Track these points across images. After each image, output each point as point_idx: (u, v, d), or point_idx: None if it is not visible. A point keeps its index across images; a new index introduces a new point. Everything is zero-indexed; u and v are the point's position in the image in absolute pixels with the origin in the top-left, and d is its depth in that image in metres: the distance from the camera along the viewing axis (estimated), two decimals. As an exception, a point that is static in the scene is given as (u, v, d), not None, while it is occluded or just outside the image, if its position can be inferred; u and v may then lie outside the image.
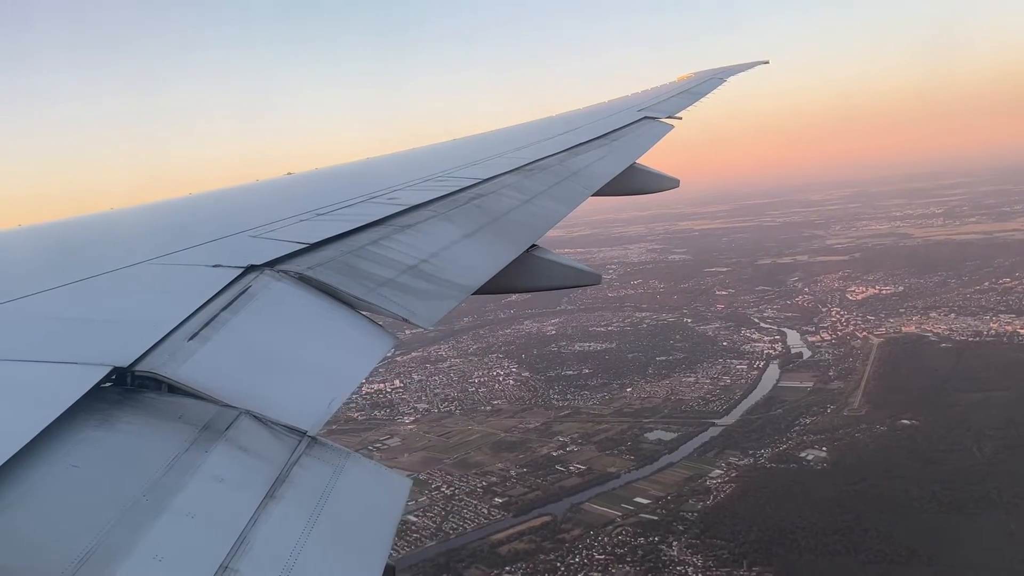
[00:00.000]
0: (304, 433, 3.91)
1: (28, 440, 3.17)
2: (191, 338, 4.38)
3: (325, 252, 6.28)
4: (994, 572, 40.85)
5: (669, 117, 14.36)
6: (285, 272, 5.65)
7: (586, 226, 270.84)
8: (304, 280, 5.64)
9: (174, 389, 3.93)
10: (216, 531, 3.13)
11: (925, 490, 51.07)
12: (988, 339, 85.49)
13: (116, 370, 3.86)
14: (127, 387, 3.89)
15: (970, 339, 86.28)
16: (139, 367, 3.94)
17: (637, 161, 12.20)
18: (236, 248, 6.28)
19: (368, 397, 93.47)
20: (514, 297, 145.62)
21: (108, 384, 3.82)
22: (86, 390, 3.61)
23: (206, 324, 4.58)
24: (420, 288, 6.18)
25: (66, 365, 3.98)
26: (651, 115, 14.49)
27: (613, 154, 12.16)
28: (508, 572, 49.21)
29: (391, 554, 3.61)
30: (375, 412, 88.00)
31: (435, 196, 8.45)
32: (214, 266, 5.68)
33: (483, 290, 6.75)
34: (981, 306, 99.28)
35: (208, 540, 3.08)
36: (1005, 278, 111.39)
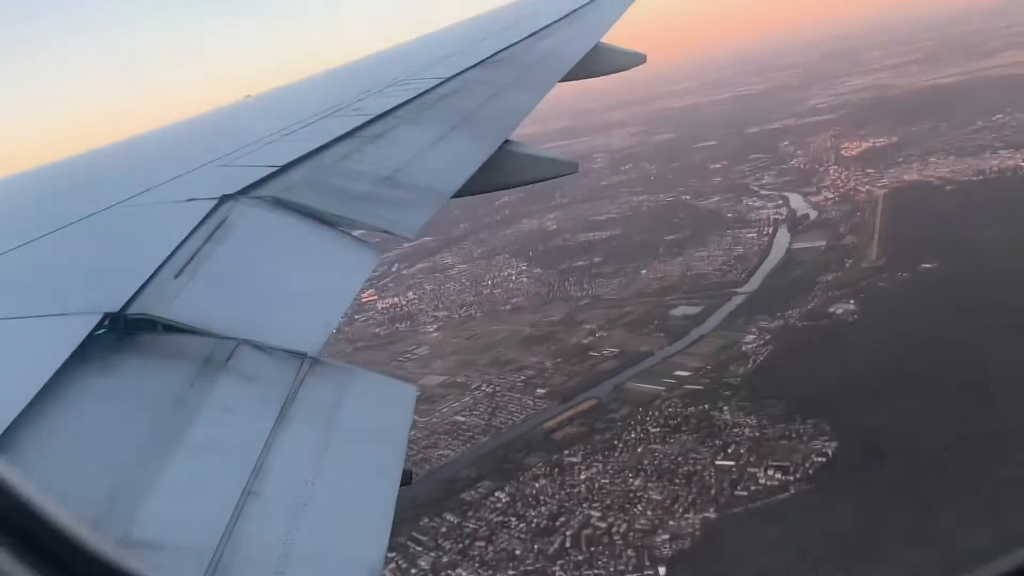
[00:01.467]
0: (305, 355, 3.93)
1: (32, 396, 3.15)
2: (177, 275, 4.38)
3: (297, 172, 6.21)
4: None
5: None
6: (260, 198, 5.59)
7: (562, 118, 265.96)
8: (280, 203, 5.57)
9: (168, 327, 3.95)
10: (234, 459, 3.18)
11: (960, 328, 52.39)
12: (992, 176, 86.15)
13: (108, 315, 3.83)
14: (121, 331, 3.87)
15: (974, 179, 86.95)
16: (130, 310, 3.92)
17: (601, 40, 11.89)
18: (207, 179, 6.19)
19: (385, 312, 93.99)
20: (506, 197, 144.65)
21: (102, 331, 3.78)
22: (81, 339, 3.58)
23: (190, 260, 4.57)
24: (398, 198, 6.20)
25: (57, 317, 3.94)
26: None
27: (576, 36, 11.91)
28: (568, 455, 50.64)
29: (407, 459, 3.75)
30: (396, 325, 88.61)
31: (401, 101, 8.29)
32: (188, 200, 5.57)
33: (462, 192, 6.67)
34: (978, 145, 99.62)
35: (228, 469, 3.13)
36: (997, 115, 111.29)
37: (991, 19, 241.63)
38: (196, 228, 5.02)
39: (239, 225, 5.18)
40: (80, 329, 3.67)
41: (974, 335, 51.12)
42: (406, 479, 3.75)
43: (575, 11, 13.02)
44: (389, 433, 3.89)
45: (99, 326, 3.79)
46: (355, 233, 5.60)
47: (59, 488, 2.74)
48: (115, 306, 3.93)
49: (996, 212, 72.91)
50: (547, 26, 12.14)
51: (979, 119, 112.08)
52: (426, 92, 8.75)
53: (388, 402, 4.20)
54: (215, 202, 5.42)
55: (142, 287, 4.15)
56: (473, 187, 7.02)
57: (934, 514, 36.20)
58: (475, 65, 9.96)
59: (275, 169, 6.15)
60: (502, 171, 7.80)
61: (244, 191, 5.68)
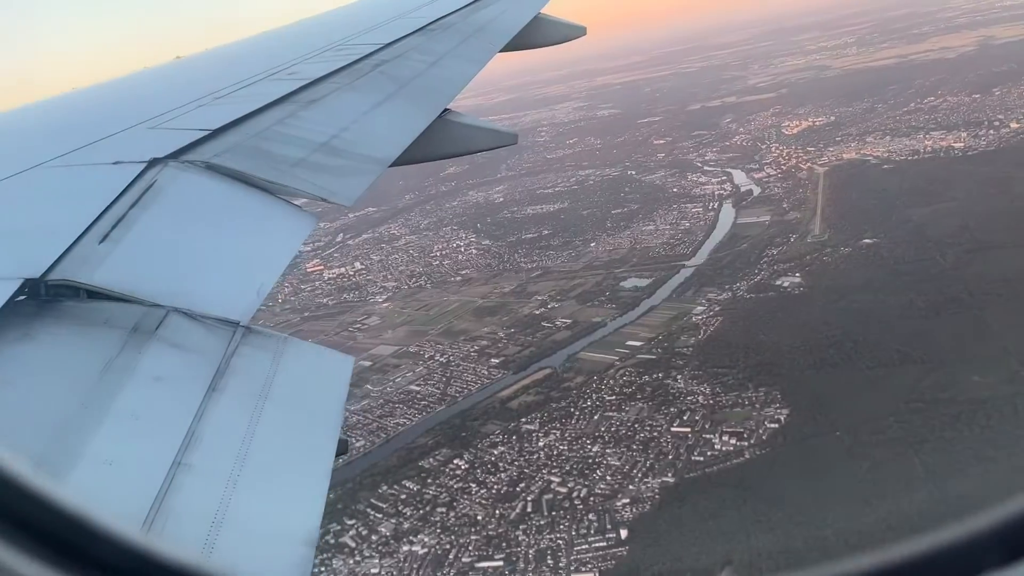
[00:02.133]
0: (237, 323, 3.92)
1: None
2: (102, 240, 4.28)
3: (230, 137, 6.07)
4: (981, 363, 44.49)
5: None
6: (191, 162, 5.43)
7: (503, 91, 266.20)
8: (212, 168, 5.43)
9: (93, 294, 3.85)
10: (163, 429, 3.15)
11: (902, 299, 54.51)
12: (926, 156, 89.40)
13: (28, 282, 3.74)
14: (43, 298, 3.77)
15: (909, 158, 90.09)
16: (52, 276, 3.81)
17: (541, 11, 11.87)
18: (135, 142, 6.00)
19: (332, 282, 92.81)
20: (451, 168, 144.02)
21: (22, 297, 3.69)
22: None
23: (116, 224, 4.46)
24: (335, 165, 6.08)
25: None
26: None
27: (517, 6, 11.87)
28: (525, 423, 51.10)
29: (343, 429, 3.76)
30: (344, 296, 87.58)
31: (338, 66, 8.14)
32: (115, 163, 5.40)
33: (401, 161, 6.64)
34: (912, 126, 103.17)
35: (156, 439, 3.09)
36: (929, 97, 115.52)
37: (919, 5, 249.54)
38: (123, 192, 4.84)
39: (168, 190, 5.00)
40: None
41: (915, 306, 53.31)
42: (342, 449, 3.72)
43: None
44: (324, 403, 3.84)
45: (19, 292, 3.66)
46: (292, 200, 5.46)
47: None
48: (36, 272, 3.77)
49: (930, 190, 75.87)
50: None
51: (912, 101, 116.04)
52: (364, 58, 8.57)
53: (323, 372, 4.14)
54: (143, 165, 5.22)
55: (65, 252, 4.00)
56: (412, 156, 6.94)
57: (883, 476, 37.83)
58: (414, 32, 9.77)
59: (207, 133, 5.95)
60: (442, 140, 7.71)
61: (174, 155, 5.48)
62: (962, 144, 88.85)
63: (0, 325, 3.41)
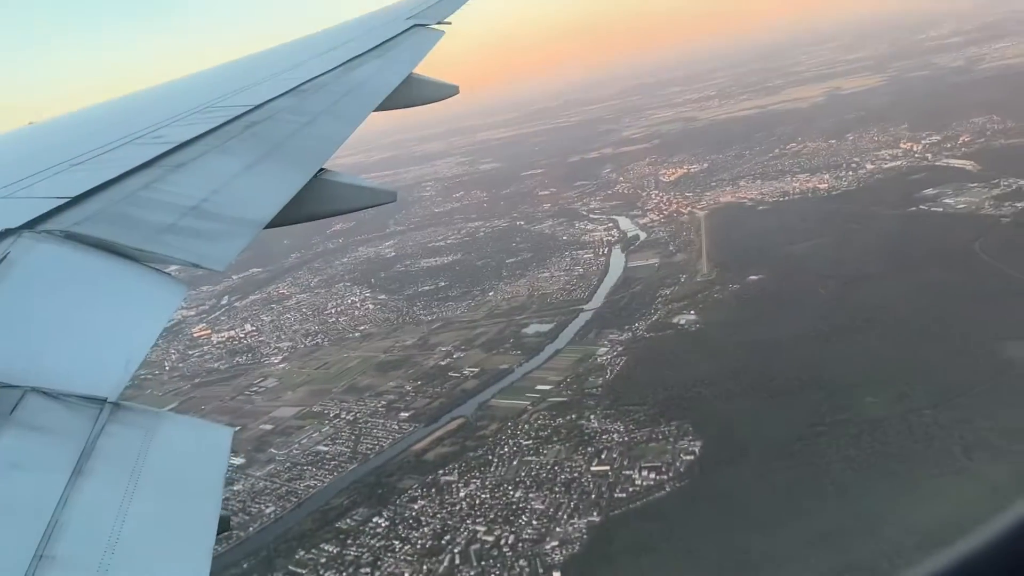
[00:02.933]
0: (104, 400, 3.76)
1: None
2: None
3: (91, 204, 5.81)
4: (872, 386, 47.55)
5: (439, 23, 14.32)
6: (48, 232, 5.23)
7: (382, 149, 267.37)
8: (72, 237, 5.22)
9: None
10: (23, 521, 2.99)
11: (792, 329, 57.70)
12: (795, 196, 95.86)
13: None
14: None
15: (780, 199, 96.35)
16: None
17: (414, 71, 12.23)
18: None
19: (222, 346, 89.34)
20: (338, 225, 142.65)
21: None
22: None
23: None
24: (206, 229, 5.95)
25: None
26: (420, 22, 14.38)
27: (389, 66, 12.07)
28: (443, 474, 50.42)
29: (225, 505, 3.64)
30: (236, 359, 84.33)
31: (206, 129, 8.13)
32: None
33: (277, 222, 6.67)
34: (779, 170, 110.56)
35: (15, 532, 2.93)
36: (791, 143, 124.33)
37: (768, 60, 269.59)
38: None
39: (23, 261, 4.77)
40: None
41: (805, 335, 56.50)
42: (224, 526, 3.61)
43: (387, 41, 13.19)
44: (202, 479, 3.71)
45: None
46: (161, 268, 5.30)
47: None
48: None
49: (804, 227, 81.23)
50: (359, 55, 12.13)
51: (776, 147, 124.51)
52: (233, 119, 8.51)
53: (201, 446, 4.02)
54: None
55: None
56: (288, 216, 6.95)
57: (797, 496, 39.52)
58: (285, 93, 9.82)
59: (65, 200, 5.68)
60: (318, 200, 7.73)
61: (29, 224, 5.24)
62: (826, 185, 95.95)
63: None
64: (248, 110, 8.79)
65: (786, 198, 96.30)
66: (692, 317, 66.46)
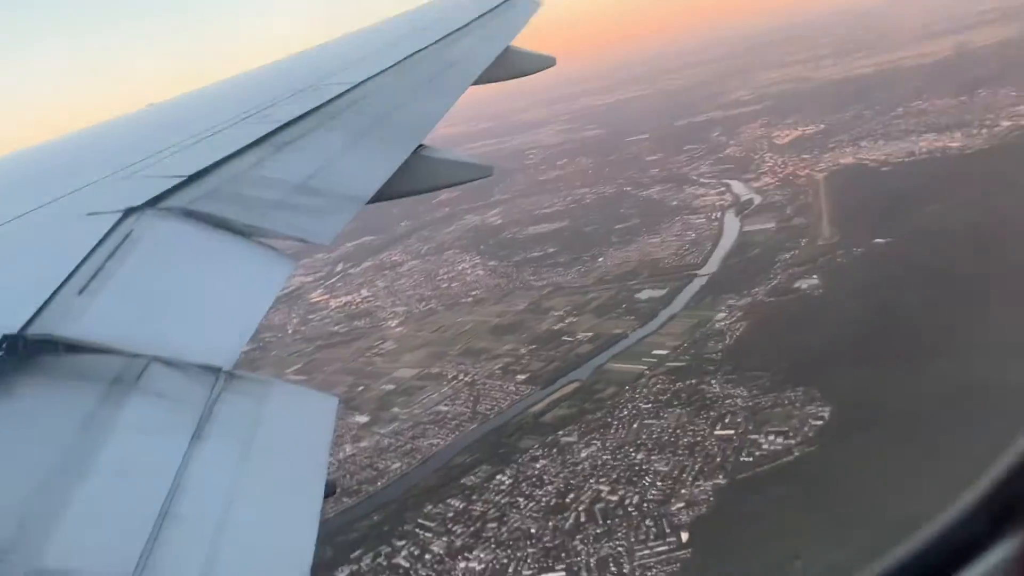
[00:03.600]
0: (219, 369, 3.91)
1: None
2: (80, 292, 4.28)
3: (207, 182, 6.09)
4: (1013, 351, 45.04)
5: None
6: (168, 209, 5.47)
7: (484, 119, 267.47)
8: (189, 215, 5.46)
9: (73, 348, 3.83)
10: (148, 481, 3.12)
11: (923, 295, 55.16)
12: (922, 157, 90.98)
13: (6, 337, 3.72)
14: (21, 353, 3.73)
15: (906, 160, 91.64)
16: (30, 330, 3.80)
17: (511, 44, 12.19)
18: (111, 191, 6.00)
19: (340, 310, 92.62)
20: (444, 195, 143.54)
21: (0, 354, 3.66)
22: None
23: (94, 275, 4.45)
24: (312, 205, 6.15)
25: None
26: None
27: (486, 40, 12.12)
28: (563, 435, 50.99)
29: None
30: (355, 323, 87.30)
31: (311, 107, 8.30)
32: (90, 214, 5.42)
33: (378, 198, 6.77)
34: (903, 130, 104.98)
35: (141, 491, 3.07)
36: (916, 101, 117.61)
37: (889, 12, 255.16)
38: (100, 243, 4.85)
39: (145, 238, 5.02)
40: None
41: (938, 300, 53.93)
42: (330, 491, 3.70)
43: (484, 15, 13.21)
44: (310, 445, 3.83)
45: None
46: (271, 243, 5.52)
47: None
48: (13, 327, 3.76)
49: (933, 189, 77.08)
50: (457, 30, 12.25)
51: (899, 106, 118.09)
52: (337, 98, 8.75)
53: (308, 413, 4.15)
54: (119, 215, 5.24)
55: (42, 307, 4.00)
56: (389, 192, 7.08)
57: (935, 464, 38.05)
58: (386, 70, 10.03)
59: (182, 179, 6.01)
60: (417, 176, 7.83)
61: (150, 203, 5.51)
62: (958, 144, 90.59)
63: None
64: (350, 88, 9.04)
65: (912, 159, 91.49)
66: (814, 281, 64.46)
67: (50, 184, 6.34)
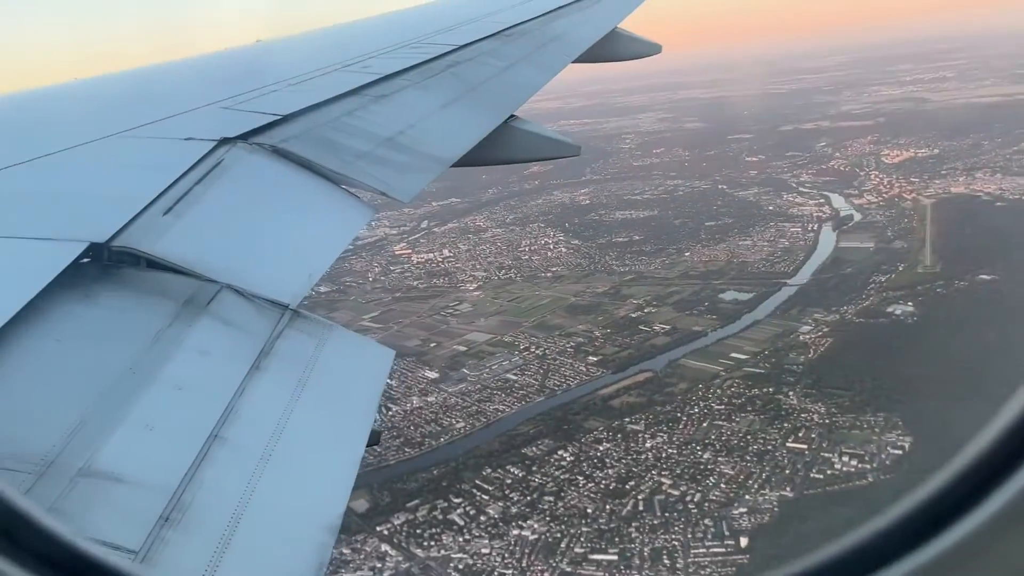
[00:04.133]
0: (286, 306, 3.98)
1: (7, 318, 3.10)
2: (166, 212, 4.34)
3: (299, 124, 6.17)
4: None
5: None
6: (259, 145, 5.54)
7: (581, 97, 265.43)
8: (279, 153, 5.52)
9: (153, 264, 3.91)
10: (204, 402, 3.21)
11: (1027, 338, 52.65)
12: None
13: (93, 246, 3.81)
14: (105, 262, 3.83)
15: (1023, 197, 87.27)
16: (116, 242, 3.87)
17: (618, 26, 11.75)
18: (208, 120, 6.11)
19: (420, 266, 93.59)
20: (535, 168, 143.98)
21: (86, 260, 3.76)
22: (65, 266, 3.56)
23: (181, 198, 4.54)
24: (397, 160, 6.14)
25: (43, 241, 3.88)
26: None
27: (593, 19, 11.79)
28: (629, 423, 50.69)
29: (376, 420, 3.73)
30: (434, 280, 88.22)
31: (411, 64, 8.21)
32: (186, 139, 5.49)
33: (463, 162, 6.65)
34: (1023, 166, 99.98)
35: (196, 410, 3.16)
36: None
37: (1019, 43, 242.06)
38: (191, 168, 4.95)
39: (234, 169, 5.11)
40: (65, 256, 3.64)
41: (1042, 348, 51.38)
42: (374, 440, 3.71)
43: None
44: (361, 392, 3.87)
45: (83, 255, 3.73)
46: (353, 191, 5.51)
47: (21, 416, 2.81)
48: (102, 236, 3.87)
49: (1050, 232, 73.30)
50: (564, 6, 11.94)
51: (1023, 141, 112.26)
52: (437, 57, 8.65)
53: (364, 362, 4.16)
54: (213, 144, 5.32)
55: (130, 221, 4.09)
56: (474, 158, 7.00)
57: None
58: (489, 36, 9.82)
59: (277, 118, 6.05)
60: (505, 146, 7.72)
61: (244, 136, 5.58)
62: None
63: (64, 284, 3.48)
64: (452, 49, 9.01)
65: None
66: (909, 309, 62.19)
67: (153, 106, 6.58)
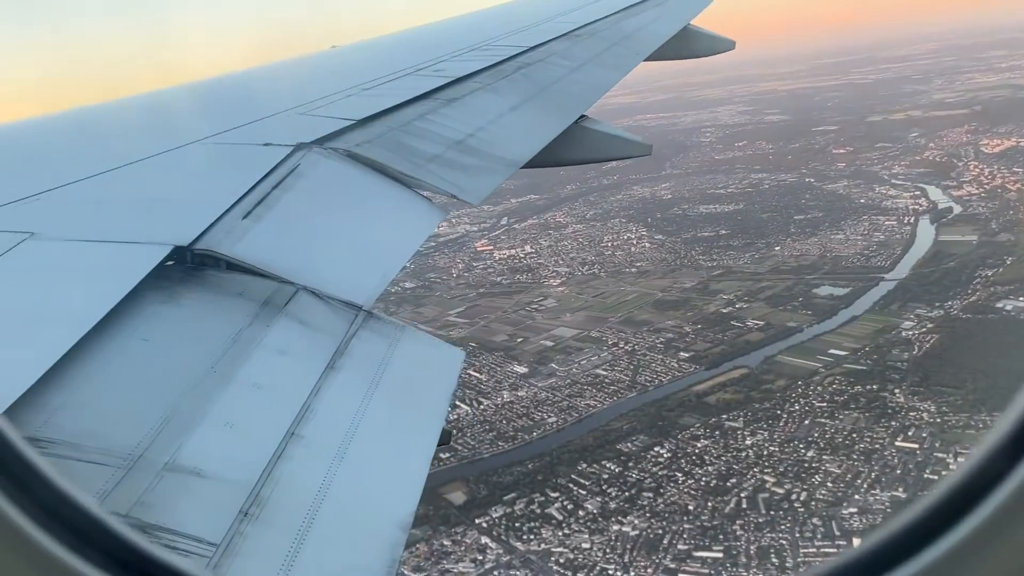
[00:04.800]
0: (360, 307, 4.06)
1: (99, 318, 3.19)
2: (245, 216, 4.47)
3: (373, 128, 6.30)
4: None
5: None
6: (334, 149, 5.69)
7: (658, 91, 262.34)
8: (352, 157, 5.66)
9: (233, 266, 4.03)
10: (281, 400, 3.29)
11: None
12: None
13: (177, 249, 3.95)
14: (188, 265, 3.96)
15: None
16: (198, 245, 4.02)
17: (691, 23, 11.44)
18: (285, 126, 6.27)
19: (503, 262, 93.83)
20: (613, 164, 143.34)
21: (171, 263, 3.90)
22: (151, 268, 3.70)
23: (259, 202, 4.67)
24: (467, 163, 6.25)
25: (130, 245, 4.05)
26: None
27: (664, 16, 11.58)
28: (727, 420, 49.66)
29: (448, 420, 3.76)
30: (517, 276, 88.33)
31: (481, 67, 8.25)
32: (264, 144, 5.61)
33: (533, 164, 6.69)
34: None
35: (274, 409, 3.25)
36: None
37: None
38: (269, 173, 5.09)
39: (310, 174, 5.25)
40: (151, 259, 3.77)
41: None
42: (445, 439, 3.76)
43: None
44: (433, 393, 3.93)
45: (168, 258, 3.89)
46: (424, 194, 5.61)
47: (110, 412, 2.93)
48: (185, 240, 4.02)
49: None
50: (635, 4, 11.78)
51: None
52: (507, 60, 8.67)
53: (435, 363, 4.20)
54: (290, 149, 5.47)
55: (212, 224, 4.25)
56: (545, 159, 7.05)
57: None
58: (559, 36, 9.82)
59: (351, 123, 6.21)
60: (575, 147, 7.75)
61: (319, 141, 5.75)
62: None
63: (150, 286, 3.62)
64: (522, 51, 9.04)
65: None
66: (1021, 304, 59.19)
67: (233, 113, 6.86)
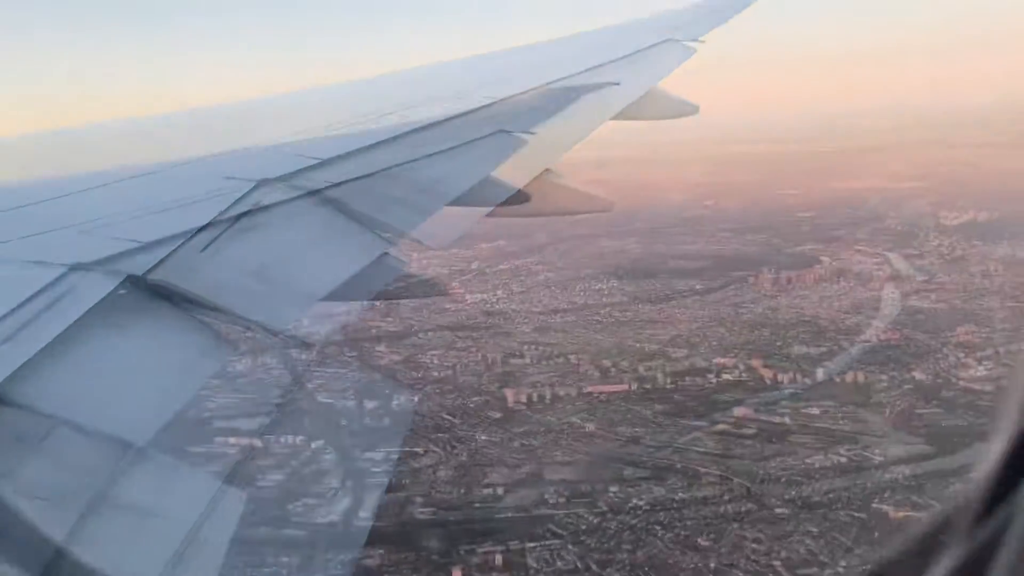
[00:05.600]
0: (313, 346, 4.36)
1: (41, 346, 3.23)
2: (203, 249, 4.54)
3: (337, 168, 6.38)
4: None
5: (692, 40, 13.82)
6: (295, 187, 5.80)
7: (626, 147, 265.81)
8: (315, 194, 5.77)
9: (188, 299, 4.08)
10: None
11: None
12: None
13: (130, 277, 3.97)
14: (141, 295, 3.99)
15: None
16: (152, 276, 4.05)
17: (657, 84, 11.89)
18: (253, 161, 6.42)
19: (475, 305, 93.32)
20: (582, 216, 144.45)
21: (122, 292, 3.92)
22: (101, 297, 3.73)
23: (216, 237, 4.72)
24: (434, 209, 6.35)
25: (80, 272, 4.05)
26: (675, 37, 14.06)
27: (633, 77, 11.83)
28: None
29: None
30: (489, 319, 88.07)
31: (451, 115, 8.51)
32: (227, 178, 5.77)
33: (497, 213, 7.09)
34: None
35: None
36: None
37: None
38: (229, 207, 5.19)
39: (270, 211, 5.37)
40: (102, 287, 3.89)
41: None
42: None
43: (638, 52, 13.11)
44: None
45: (120, 287, 3.95)
46: (390, 238, 5.69)
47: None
48: (139, 270, 4.09)
49: None
50: (604, 64, 12.06)
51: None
52: (476, 110, 8.94)
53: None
54: (252, 184, 5.62)
55: (167, 256, 4.29)
56: (507, 211, 7.47)
57: None
58: (527, 91, 10.25)
59: (318, 161, 6.45)
60: (537, 200, 7.96)
61: (281, 178, 5.95)
62: None
63: (99, 315, 3.63)
64: (490, 104, 9.33)
65: None
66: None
67: (204, 145, 7.01)
